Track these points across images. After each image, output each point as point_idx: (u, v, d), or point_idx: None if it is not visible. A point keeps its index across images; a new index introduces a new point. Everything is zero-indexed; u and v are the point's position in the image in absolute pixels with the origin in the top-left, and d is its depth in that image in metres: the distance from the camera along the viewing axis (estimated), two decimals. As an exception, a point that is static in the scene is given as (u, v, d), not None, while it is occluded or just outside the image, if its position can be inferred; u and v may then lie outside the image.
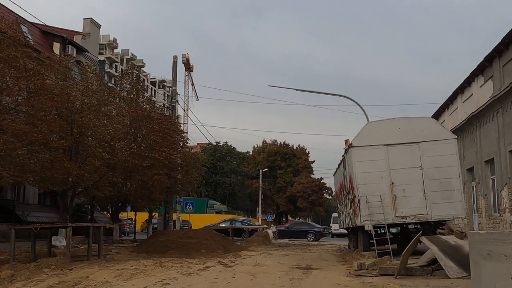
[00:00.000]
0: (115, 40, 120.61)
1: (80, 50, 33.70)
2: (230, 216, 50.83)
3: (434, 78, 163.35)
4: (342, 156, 18.07)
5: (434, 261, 11.75)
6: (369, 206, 14.60)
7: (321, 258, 17.97)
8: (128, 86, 26.99)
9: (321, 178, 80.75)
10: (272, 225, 42.92)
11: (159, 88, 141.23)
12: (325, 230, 39.94)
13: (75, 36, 34.76)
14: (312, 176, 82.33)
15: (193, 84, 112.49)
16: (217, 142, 69.83)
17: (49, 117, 17.57)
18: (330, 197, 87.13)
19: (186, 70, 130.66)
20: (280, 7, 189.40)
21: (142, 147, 24.96)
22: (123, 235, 37.90)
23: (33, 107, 16.40)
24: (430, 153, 14.87)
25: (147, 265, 12.78)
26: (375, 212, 14.61)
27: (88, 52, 34.04)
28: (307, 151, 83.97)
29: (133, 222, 44.67)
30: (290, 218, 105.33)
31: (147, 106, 27.02)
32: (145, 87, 29.58)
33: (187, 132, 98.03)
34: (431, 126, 15.42)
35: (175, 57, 34.22)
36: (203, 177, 68.02)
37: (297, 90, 32.02)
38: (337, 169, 21.07)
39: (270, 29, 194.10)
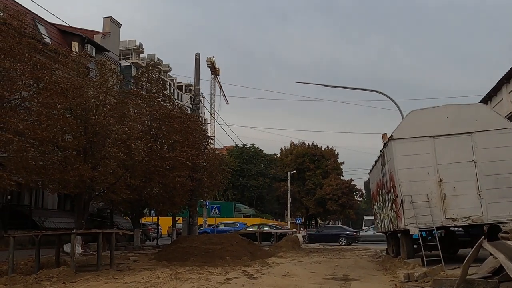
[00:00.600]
0: (141, 45, 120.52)
1: (100, 49, 32.58)
2: (225, 220, 49.12)
3: (465, 78, 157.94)
4: (380, 151, 16.16)
5: (497, 271, 9.84)
6: (414, 207, 12.67)
7: (358, 266, 16.11)
8: (147, 84, 25.62)
9: (351, 180, 78.72)
10: (301, 229, 40.98)
11: (185, 92, 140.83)
12: (358, 234, 37.83)
13: (94, 36, 33.71)
14: (341, 178, 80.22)
15: (221, 88, 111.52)
16: (243, 144, 68.33)
17: (58, 114, 16.24)
18: (361, 199, 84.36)
19: (212, 73, 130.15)
20: (304, 10, 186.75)
21: (163, 148, 23.56)
22: (148, 241, 36.70)
23: (39, 102, 15.07)
24: (485, 144, 12.83)
25: (160, 277, 11.18)
26: (421, 214, 12.66)
27: (108, 51, 32.91)
28: (336, 152, 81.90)
29: (158, 227, 43.67)
30: (319, 222, 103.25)
31: (168, 104, 25.60)
32: (166, 85, 27.90)
33: (214, 136, 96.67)
34: (485, 113, 13.35)
35: (197, 55, 32.85)
36: (230, 180, 66.89)
37: (325, 86, 30.05)
38: (373, 166, 19.15)
39: (296, 32, 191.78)
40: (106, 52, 32.81)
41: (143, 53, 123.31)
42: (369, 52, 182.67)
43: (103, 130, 18.37)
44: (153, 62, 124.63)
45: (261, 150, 71.59)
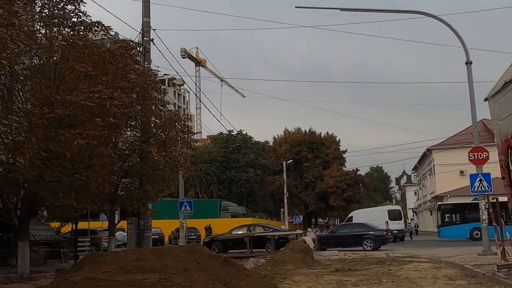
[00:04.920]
0: (116, 34, 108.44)
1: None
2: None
3: (451, 71, 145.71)
4: None
5: None
6: None
7: None
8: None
9: (357, 170, 67.65)
10: (309, 229, 29.96)
11: (168, 86, 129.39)
12: (388, 233, 26.82)
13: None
14: (344, 168, 69.39)
15: (222, 80, 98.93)
16: (229, 131, 56.88)
17: None
18: (364, 190, 71.78)
19: (196, 65, 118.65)
20: (289, 7, 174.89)
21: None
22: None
23: None
24: None
25: None
26: None
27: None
28: (337, 139, 70.89)
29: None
30: (319, 220, 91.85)
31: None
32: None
33: (200, 132, 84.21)
34: None
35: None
36: (214, 174, 55.72)
37: (341, 10, 19.15)
38: None
39: (283, 30, 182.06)
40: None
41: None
42: (356, 48, 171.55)
43: None
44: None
45: (250, 138, 60.22)
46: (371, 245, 25.58)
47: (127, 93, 13.86)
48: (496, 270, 11.06)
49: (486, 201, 18.64)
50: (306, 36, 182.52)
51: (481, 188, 18.27)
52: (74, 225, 21.05)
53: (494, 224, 11.71)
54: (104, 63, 12.97)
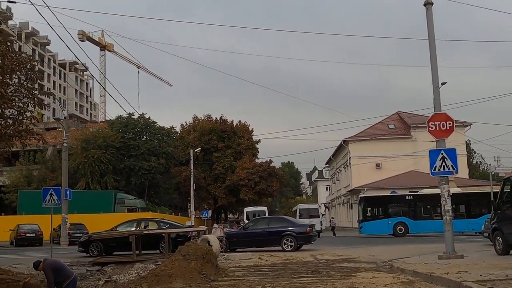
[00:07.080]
0: (9, 9, 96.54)
1: None
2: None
3: (358, 72, 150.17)
4: None
5: None
6: None
7: None
8: None
9: (270, 161, 63.00)
10: (216, 225, 24.15)
11: (70, 71, 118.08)
12: (312, 229, 21.80)
13: None
14: (257, 159, 64.73)
15: (139, 67, 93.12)
16: (129, 114, 49.64)
17: None
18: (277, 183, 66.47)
19: (101, 50, 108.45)
20: (203, 5, 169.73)
21: None
22: None
23: None
24: None
25: None
26: None
27: None
28: (250, 128, 66.01)
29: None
30: (230, 215, 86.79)
31: None
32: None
33: (104, 121, 75.04)
34: None
35: None
36: (109, 162, 48.26)
37: None
38: None
39: (195, 26, 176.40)
40: None
41: (11, 19, 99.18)
42: (267, 46, 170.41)
43: None
44: (26, 32, 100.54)
45: (154, 122, 53.36)
46: (292, 244, 20.45)
47: None
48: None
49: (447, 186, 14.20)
50: (219, 32, 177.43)
51: (444, 168, 13.66)
52: None
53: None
54: None
